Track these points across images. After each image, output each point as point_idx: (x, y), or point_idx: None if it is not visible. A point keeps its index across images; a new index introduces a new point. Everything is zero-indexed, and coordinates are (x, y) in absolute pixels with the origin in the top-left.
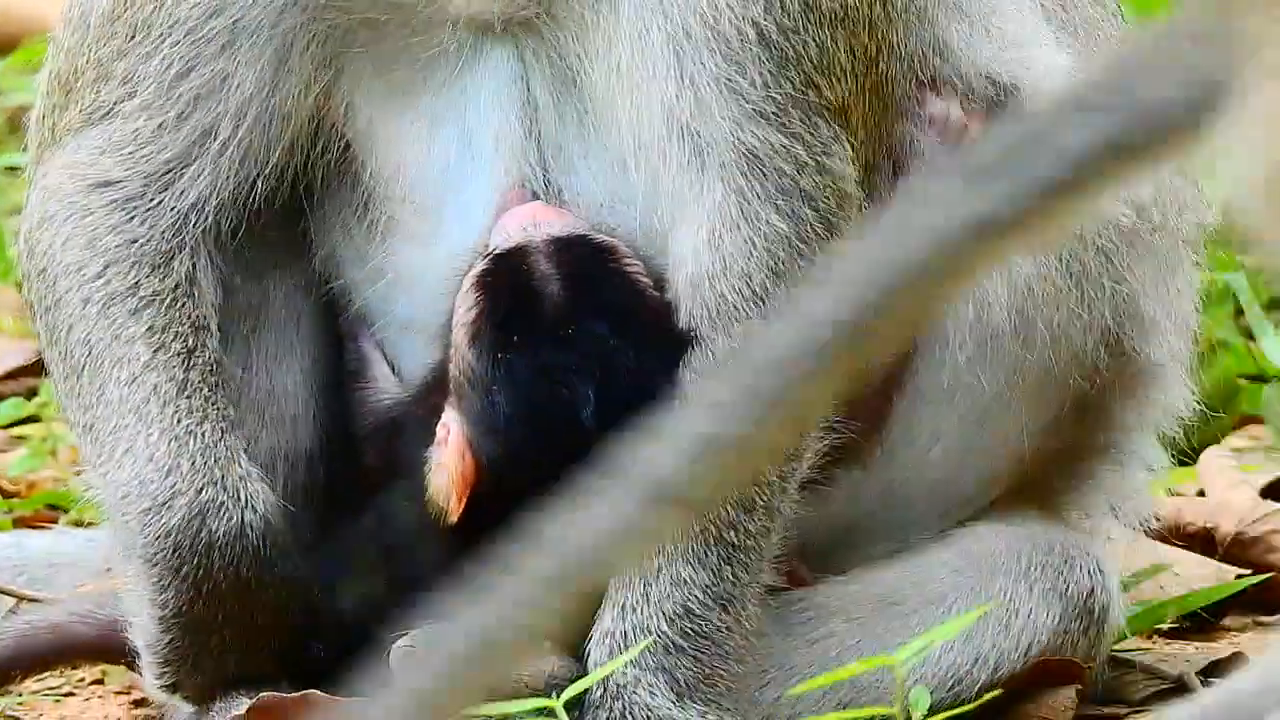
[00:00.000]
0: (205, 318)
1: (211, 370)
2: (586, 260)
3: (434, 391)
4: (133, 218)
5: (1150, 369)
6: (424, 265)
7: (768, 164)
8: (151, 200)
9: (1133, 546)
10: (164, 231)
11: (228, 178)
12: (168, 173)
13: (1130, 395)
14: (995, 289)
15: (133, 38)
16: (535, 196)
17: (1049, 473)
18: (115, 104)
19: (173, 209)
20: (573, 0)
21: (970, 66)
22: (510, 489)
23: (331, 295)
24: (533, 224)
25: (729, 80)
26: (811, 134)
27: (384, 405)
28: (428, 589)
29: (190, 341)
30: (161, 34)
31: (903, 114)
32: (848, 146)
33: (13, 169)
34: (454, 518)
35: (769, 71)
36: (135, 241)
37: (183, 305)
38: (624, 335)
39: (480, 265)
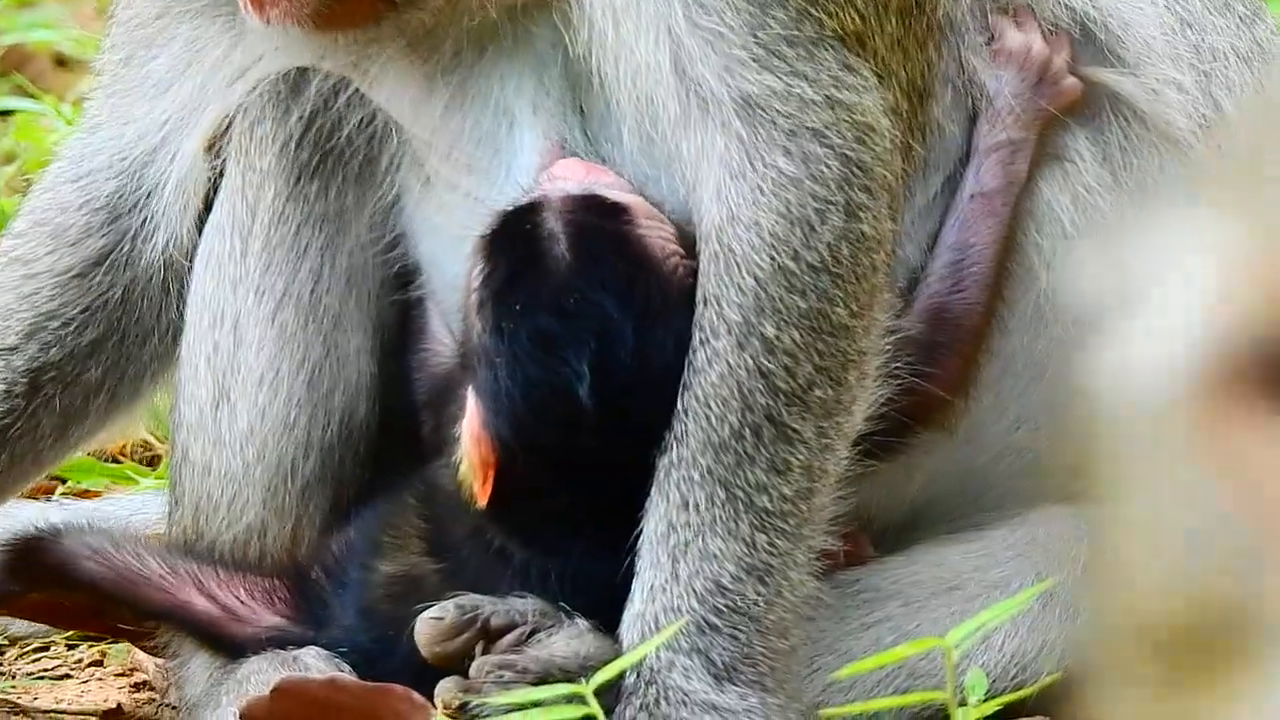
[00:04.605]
0: None
1: None
2: (597, 221)
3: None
4: None
5: None
6: (469, 222)
7: (767, 107)
8: None
9: None
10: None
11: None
12: None
13: None
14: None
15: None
16: (574, 155)
17: None
18: None
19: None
20: None
21: None
22: (539, 469)
23: (398, 253)
24: (564, 178)
25: (709, 29)
26: (814, 69)
27: (440, 370)
28: (466, 562)
29: None
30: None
31: (957, 39)
32: (869, 75)
33: (5, 113)
34: (482, 502)
35: (749, 14)
36: None
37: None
38: (628, 309)
39: (489, 225)
